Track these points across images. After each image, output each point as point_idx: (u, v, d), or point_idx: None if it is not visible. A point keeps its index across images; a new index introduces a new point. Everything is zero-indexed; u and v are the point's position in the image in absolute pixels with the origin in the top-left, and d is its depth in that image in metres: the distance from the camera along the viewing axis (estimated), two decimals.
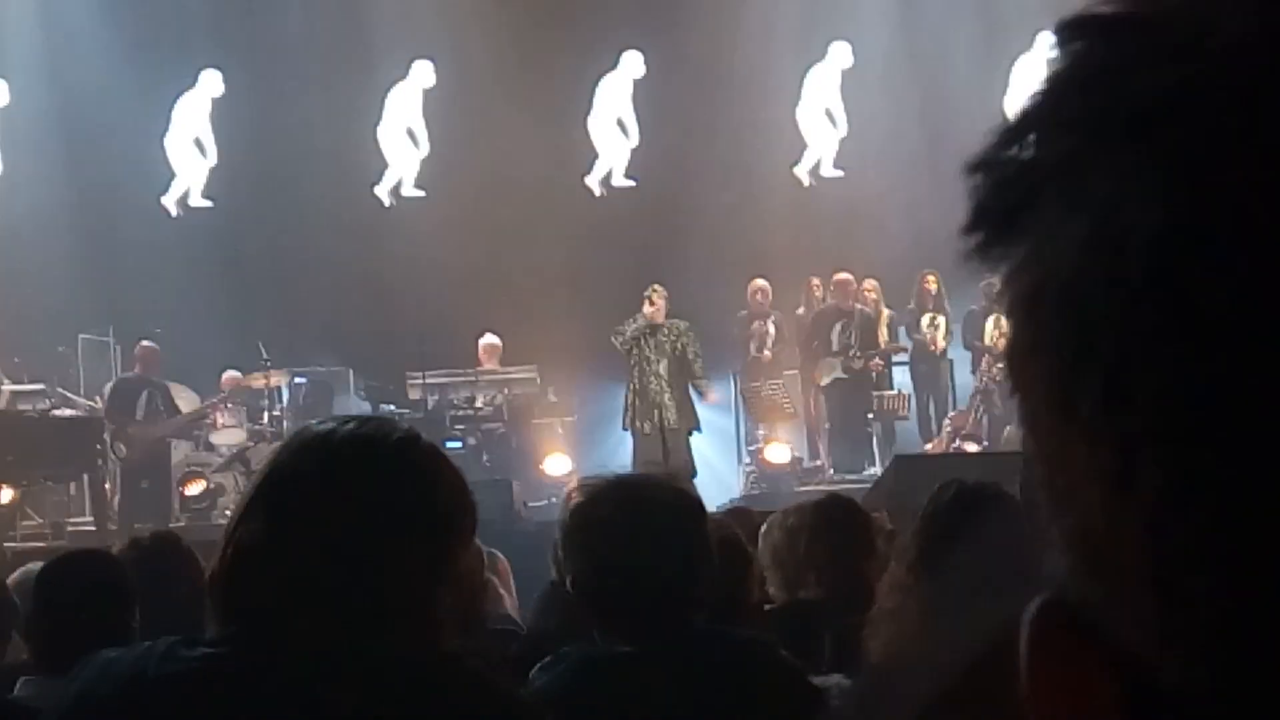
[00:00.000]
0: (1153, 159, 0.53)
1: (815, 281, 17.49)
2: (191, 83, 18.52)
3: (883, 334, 16.85)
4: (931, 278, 17.01)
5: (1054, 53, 0.58)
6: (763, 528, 5.16)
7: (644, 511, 3.10)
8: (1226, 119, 0.52)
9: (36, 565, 4.96)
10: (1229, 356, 0.51)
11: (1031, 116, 0.58)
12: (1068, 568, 0.56)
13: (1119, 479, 0.53)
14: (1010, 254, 0.57)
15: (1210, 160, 0.52)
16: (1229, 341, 0.51)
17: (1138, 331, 0.52)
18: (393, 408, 16.13)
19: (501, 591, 5.68)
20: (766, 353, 16.89)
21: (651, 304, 15.32)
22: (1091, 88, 0.56)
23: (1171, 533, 0.52)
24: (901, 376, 17.17)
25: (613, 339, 15.45)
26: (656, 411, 15.20)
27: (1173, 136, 0.53)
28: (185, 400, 16.62)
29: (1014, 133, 0.58)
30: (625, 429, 15.44)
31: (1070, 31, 0.58)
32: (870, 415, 16.70)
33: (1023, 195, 0.57)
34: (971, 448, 15.69)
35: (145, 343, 16.26)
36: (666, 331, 15.32)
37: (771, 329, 17.02)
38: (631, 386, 15.34)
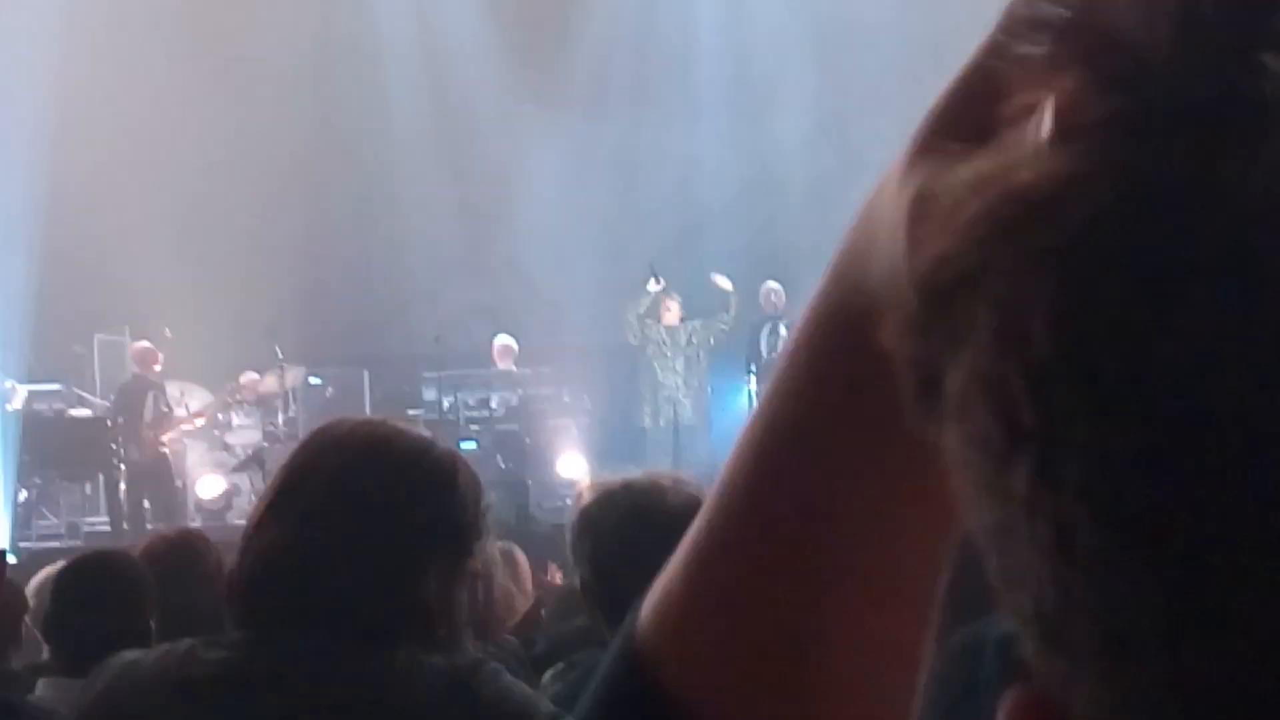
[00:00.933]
0: (1040, 255, 0.54)
1: None
2: None
3: None
4: None
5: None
6: None
7: (650, 516, 3.09)
8: (1109, 208, 0.53)
9: (57, 567, 4.98)
10: (1138, 429, 0.52)
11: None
12: (1030, 652, 0.57)
13: (1060, 547, 0.54)
14: (932, 352, 0.59)
15: (1097, 249, 0.53)
16: (1134, 415, 0.52)
17: (1055, 413, 0.54)
18: (408, 409, 16.14)
19: (517, 590, 5.69)
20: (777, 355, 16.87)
21: (667, 309, 15.48)
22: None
23: (1116, 597, 0.53)
24: None
25: (628, 336, 15.59)
26: (670, 407, 15.29)
27: (1060, 230, 0.54)
28: (199, 400, 16.64)
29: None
30: (640, 424, 15.57)
31: None
32: None
33: (937, 301, 0.59)
34: None
35: (142, 343, 16.24)
36: (683, 331, 15.46)
37: (783, 330, 16.99)
38: (646, 383, 15.48)
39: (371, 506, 1.98)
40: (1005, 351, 0.55)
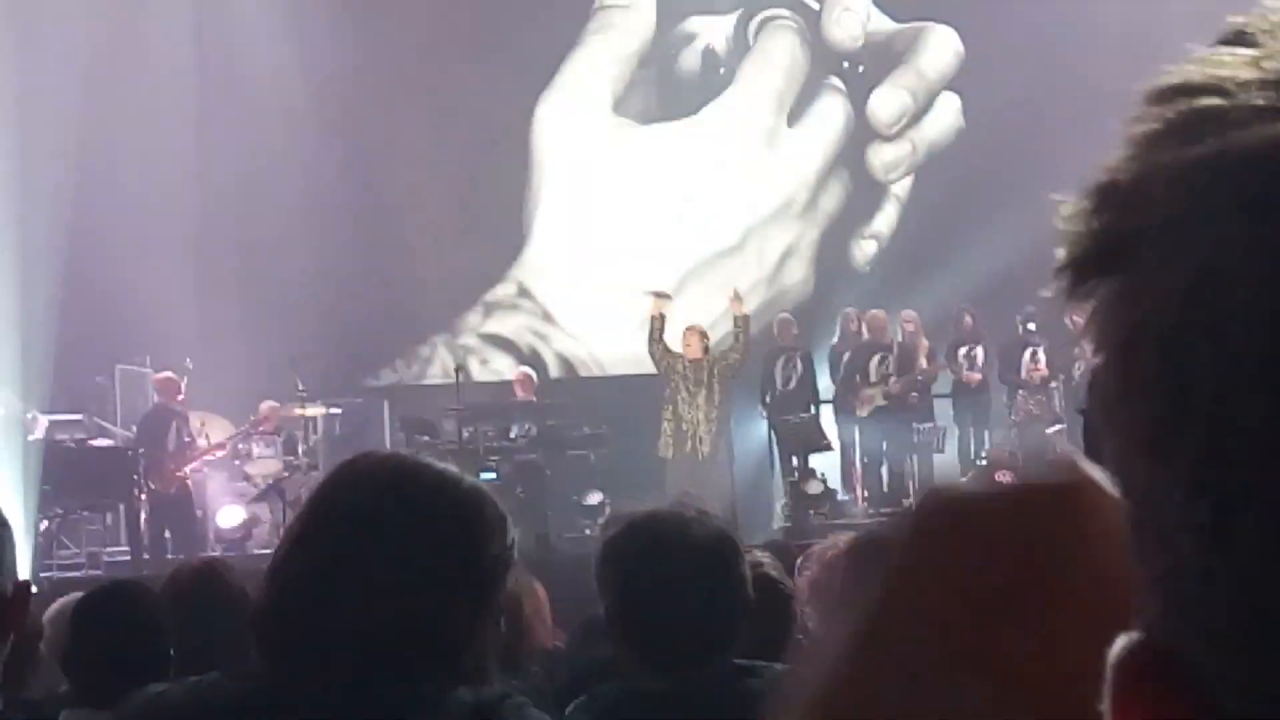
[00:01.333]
0: (1258, 219, 0.53)
1: (851, 313, 17.55)
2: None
3: (921, 365, 16.87)
4: (968, 313, 17.13)
5: (1150, 112, 0.59)
6: (798, 561, 5.14)
7: (675, 547, 3.08)
8: None
9: (74, 597, 4.97)
10: None
11: (1132, 173, 0.58)
12: (1157, 610, 0.56)
13: (1216, 534, 0.52)
14: (1100, 292, 0.57)
15: None
16: None
17: (1241, 388, 0.51)
18: (427, 438, 16.15)
19: (538, 623, 5.68)
20: (793, 385, 16.90)
21: (687, 344, 15.52)
22: (1193, 149, 0.56)
23: (1269, 595, 0.52)
24: (938, 409, 17.16)
25: (652, 356, 15.65)
26: (690, 441, 15.30)
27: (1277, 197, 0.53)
28: (220, 430, 16.67)
29: (1111, 188, 0.58)
30: (661, 455, 15.57)
31: (1167, 95, 0.58)
32: (907, 447, 16.70)
33: (1121, 240, 0.57)
34: (1008, 480, 15.62)
35: (165, 373, 16.32)
36: (706, 365, 15.48)
37: (799, 364, 17.02)
38: (667, 414, 15.49)
39: (398, 540, 1.98)
40: (1196, 311, 0.53)
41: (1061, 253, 0.59)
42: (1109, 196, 0.58)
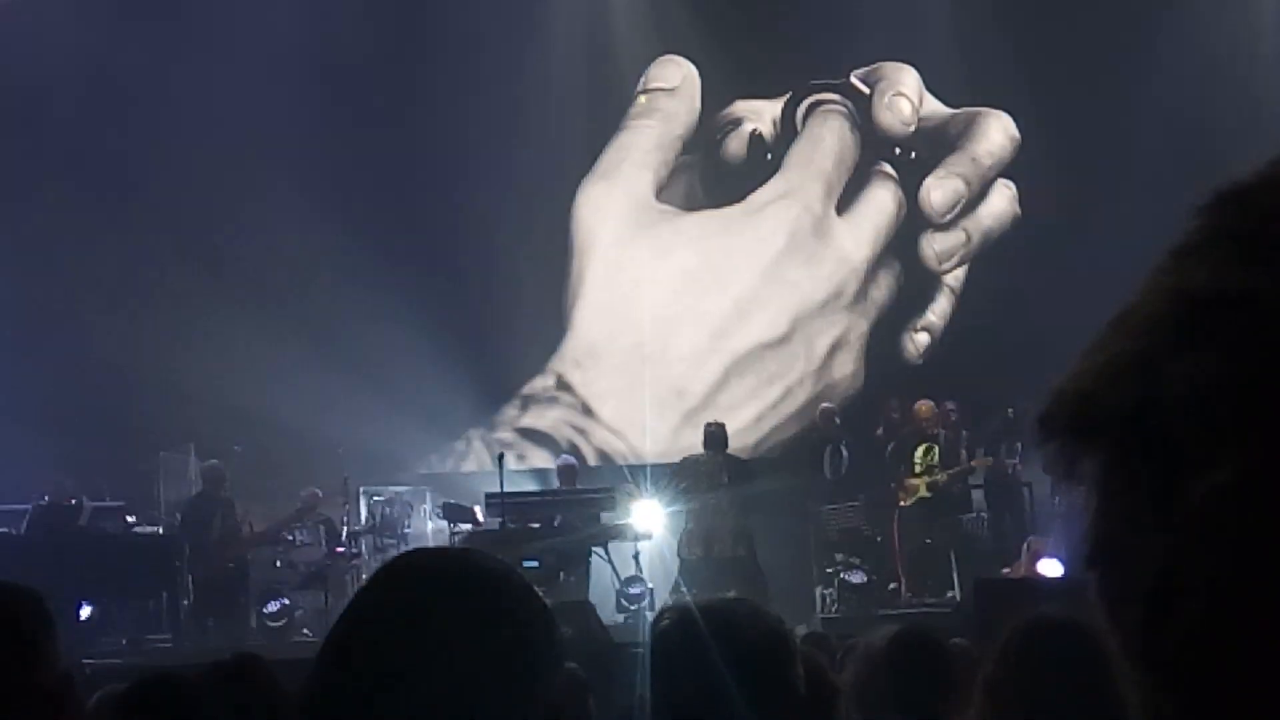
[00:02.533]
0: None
1: (893, 403, 17.52)
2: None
3: (963, 455, 16.83)
4: (1009, 406, 17.08)
5: None
6: (839, 654, 5.11)
7: (727, 642, 3.07)
8: None
9: (117, 688, 4.97)
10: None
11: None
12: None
13: None
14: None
15: None
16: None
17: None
18: (468, 527, 16.14)
19: (582, 716, 5.66)
20: (841, 474, 16.91)
21: (707, 440, 15.63)
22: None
23: None
24: (978, 499, 17.10)
25: (675, 482, 15.68)
26: (709, 542, 15.34)
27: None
28: (263, 517, 16.70)
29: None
30: (679, 555, 15.55)
31: None
32: (950, 538, 16.62)
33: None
34: (1051, 572, 15.54)
35: (211, 461, 16.45)
36: (726, 463, 15.54)
37: (844, 453, 17.00)
38: (688, 516, 15.53)
39: (445, 642, 1.97)
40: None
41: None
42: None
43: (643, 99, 19.88)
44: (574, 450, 18.83)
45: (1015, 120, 19.50)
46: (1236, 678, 0.59)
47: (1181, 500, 0.61)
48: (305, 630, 15.47)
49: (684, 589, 14.32)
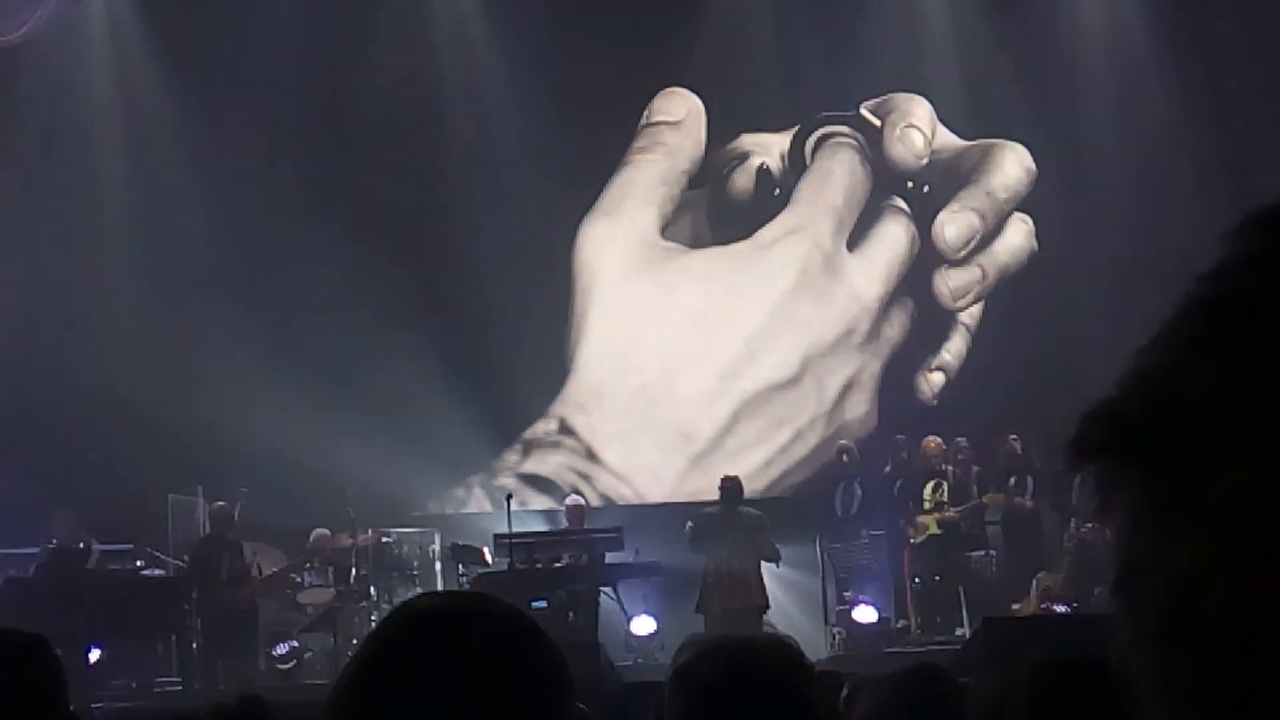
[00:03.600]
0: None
1: (900, 441, 17.49)
2: None
3: (973, 492, 16.83)
4: (1015, 439, 17.07)
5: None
6: (844, 691, 5.10)
7: (750, 678, 3.06)
8: None
9: None
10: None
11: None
12: None
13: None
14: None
15: None
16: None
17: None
18: (477, 568, 16.12)
19: None
20: (853, 512, 16.92)
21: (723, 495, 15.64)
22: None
23: None
24: (997, 536, 17.07)
25: (686, 529, 15.67)
26: (730, 594, 15.30)
27: None
28: (272, 559, 16.70)
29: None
30: (697, 611, 15.47)
31: None
32: (960, 575, 16.60)
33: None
34: (1061, 609, 15.52)
35: (217, 503, 16.48)
36: (742, 517, 15.53)
37: (858, 490, 17.00)
38: (707, 569, 15.49)
39: (457, 682, 1.97)
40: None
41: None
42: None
43: (647, 130, 19.53)
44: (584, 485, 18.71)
45: (1033, 153, 19.13)
46: (1260, 683, 0.60)
47: (1206, 504, 0.62)
48: (315, 672, 15.44)
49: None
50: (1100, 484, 0.68)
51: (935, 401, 19.14)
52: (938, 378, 19.28)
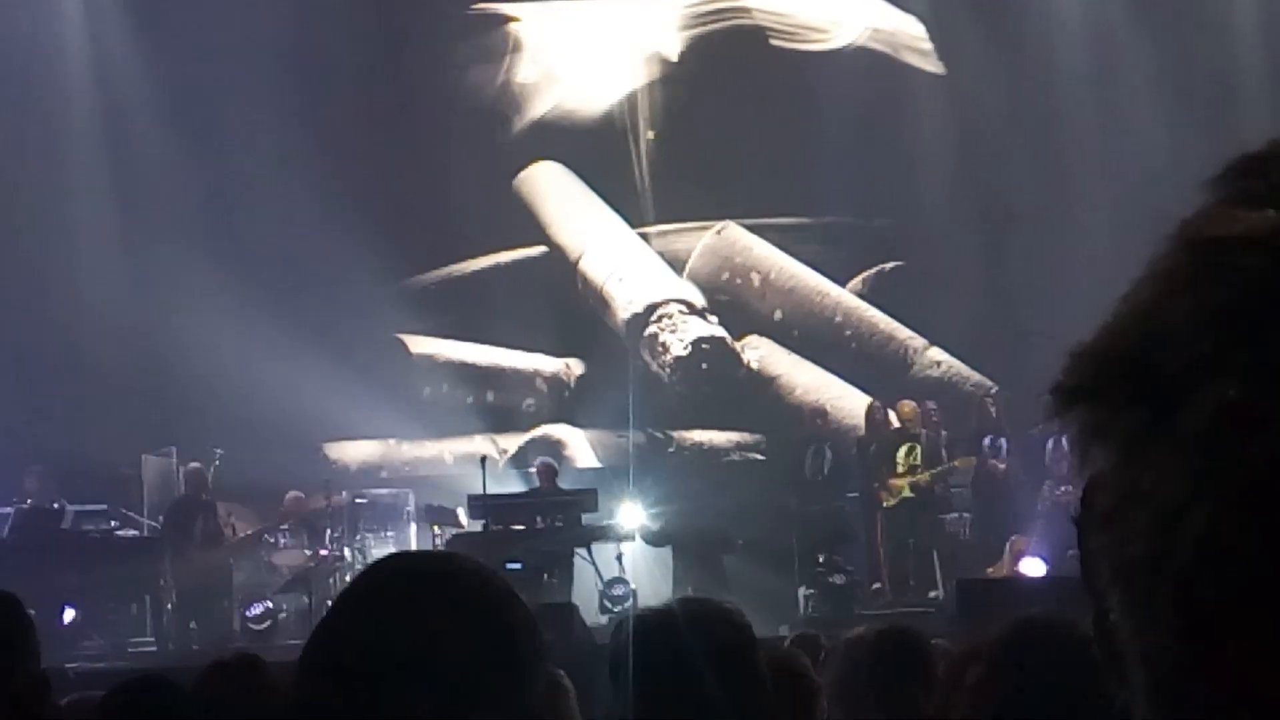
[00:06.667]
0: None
1: (876, 404, 17.53)
2: None
3: (945, 455, 16.87)
4: (990, 401, 17.14)
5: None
6: (821, 655, 5.12)
7: (688, 644, 3.07)
8: None
9: (92, 696, 4.96)
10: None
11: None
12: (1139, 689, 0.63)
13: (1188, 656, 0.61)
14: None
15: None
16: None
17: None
18: (451, 530, 16.14)
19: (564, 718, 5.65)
20: (823, 475, 16.96)
21: None
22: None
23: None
24: (966, 498, 17.14)
25: None
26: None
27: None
28: (246, 520, 16.69)
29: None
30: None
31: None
32: (933, 538, 16.66)
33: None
34: (1033, 571, 15.57)
35: (192, 464, 16.46)
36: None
37: (828, 452, 17.04)
38: None
39: (429, 642, 1.97)
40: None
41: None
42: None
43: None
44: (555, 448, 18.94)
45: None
46: (1246, 603, 0.60)
47: (1187, 429, 0.62)
48: (289, 633, 15.45)
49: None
50: (1084, 430, 0.68)
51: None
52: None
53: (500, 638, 1.97)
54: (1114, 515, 0.65)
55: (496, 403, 19.62)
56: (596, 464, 18.94)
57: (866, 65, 19.87)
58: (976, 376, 19.04)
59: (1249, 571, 0.59)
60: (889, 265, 19.79)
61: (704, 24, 20.02)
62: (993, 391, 17.99)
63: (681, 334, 19.51)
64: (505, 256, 19.73)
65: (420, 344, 19.63)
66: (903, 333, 19.72)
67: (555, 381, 19.82)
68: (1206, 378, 0.62)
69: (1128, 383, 0.65)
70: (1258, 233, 0.64)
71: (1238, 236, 0.65)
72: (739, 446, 19.04)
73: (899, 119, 19.59)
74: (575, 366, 19.71)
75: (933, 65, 19.95)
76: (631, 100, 19.95)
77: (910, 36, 19.98)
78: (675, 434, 19.38)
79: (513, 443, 19.23)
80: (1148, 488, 0.63)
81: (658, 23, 20.08)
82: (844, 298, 19.86)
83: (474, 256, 19.62)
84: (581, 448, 19.27)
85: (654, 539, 15.82)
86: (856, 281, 19.90)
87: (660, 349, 19.49)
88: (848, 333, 19.83)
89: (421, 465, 19.19)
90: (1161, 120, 18.37)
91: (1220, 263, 0.64)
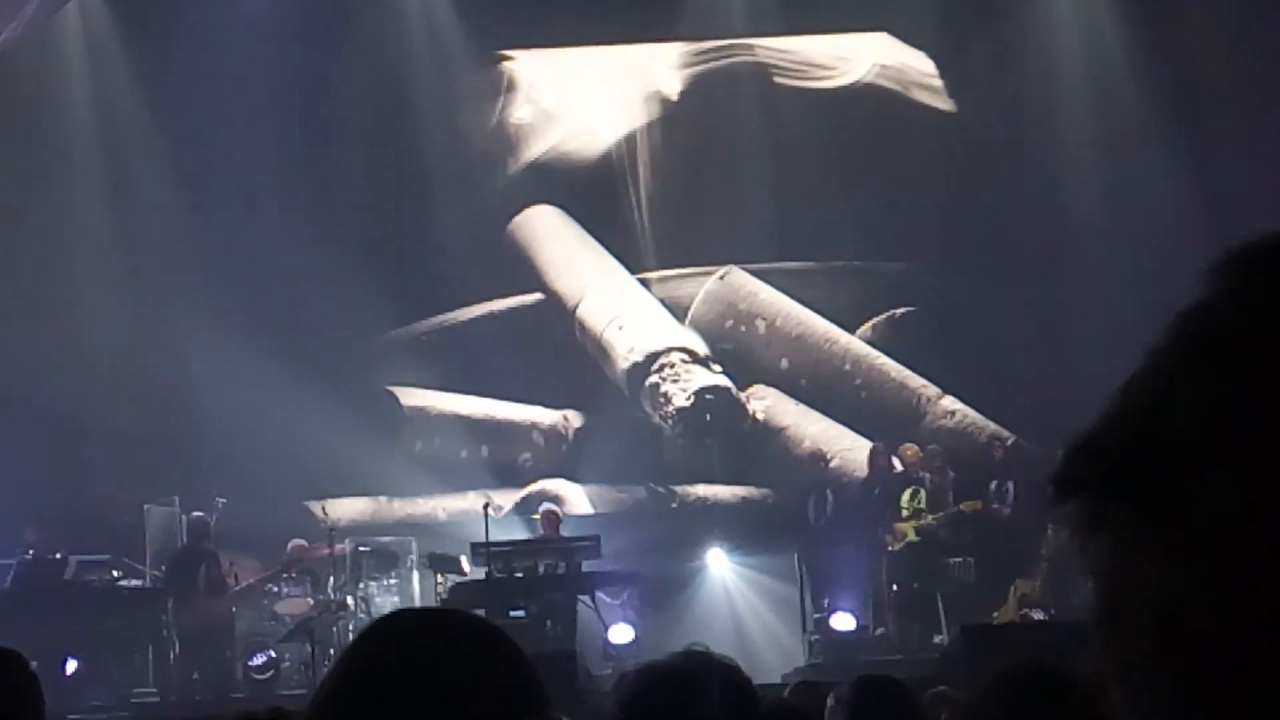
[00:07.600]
0: None
1: (879, 447, 17.49)
2: None
3: (951, 498, 16.84)
4: (998, 445, 17.14)
5: None
6: (829, 702, 5.11)
7: (692, 696, 3.07)
8: None
9: None
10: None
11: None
12: None
13: None
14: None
15: None
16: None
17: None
18: (455, 577, 16.10)
19: None
20: (824, 520, 16.93)
21: None
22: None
23: None
24: (971, 543, 17.08)
25: None
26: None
27: None
28: (248, 570, 16.66)
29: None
30: None
31: None
32: (937, 581, 16.60)
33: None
34: (1038, 616, 15.53)
35: (195, 514, 16.45)
36: None
37: (830, 496, 17.01)
38: None
39: (433, 701, 1.97)
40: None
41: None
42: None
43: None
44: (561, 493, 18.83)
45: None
46: (1253, 698, 0.60)
47: (1189, 530, 0.62)
48: (292, 682, 15.40)
49: None
50: (1082, 521, 0.68)
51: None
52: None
53: (503, 694, 1.97)
54: (1114, 612, 0.66)
55: (492, 457, 19.30)
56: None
57: (875, 102, 19.77)
58: (992, 426, 18.80)
59: (1256, 668, 0.60)
60: (899, 311, 19.59)
61: (705, 62, 19.93)
62: (1008, 443, 17.92)
63: (684, 384, 19.29)
64: (499, 304, 19.51)
65: (412, 396, 19.38)
66: (915, 381, 19.42)
67: (553, 434, 19.49)
68: (1205, 478, 0.62)
69: (1126, 478, 0.65)
70: (1255, 330, 0.64)
71: (1235, 339, 0.65)
72: (745, 501, 18.91)
73: (908, 158, 19.36)
74: (574, 418, 19.42)
75: (943, 103, 19.81)
76: (630, 141, 19.86)
77: (920, 73, 19.85)
78: (678, 489, 19.21)
79: (509, 499, 18.84)
80: (1152, 586, 0.63)
81: (657, 61, 20.01)
82: (853, 345, 19.61)
83: (467, 304, 19.43)
84: (580, 503, 19.03)
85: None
86: (866, 328, 19.65)
87: (662, 400, 19.28)
88: (857, 381, 19.53)
89: (415, 522, 19.01)
90: (1171, 160, 18.36)
91: (1217, 364, 0.64)
